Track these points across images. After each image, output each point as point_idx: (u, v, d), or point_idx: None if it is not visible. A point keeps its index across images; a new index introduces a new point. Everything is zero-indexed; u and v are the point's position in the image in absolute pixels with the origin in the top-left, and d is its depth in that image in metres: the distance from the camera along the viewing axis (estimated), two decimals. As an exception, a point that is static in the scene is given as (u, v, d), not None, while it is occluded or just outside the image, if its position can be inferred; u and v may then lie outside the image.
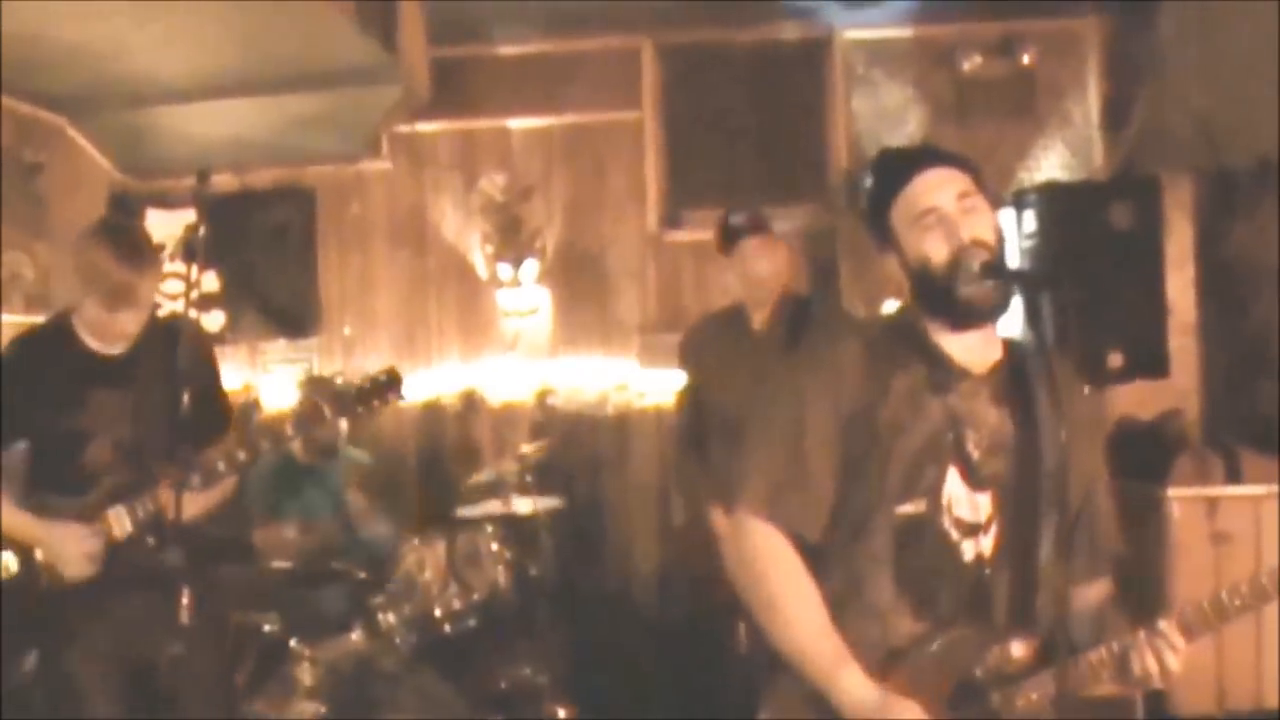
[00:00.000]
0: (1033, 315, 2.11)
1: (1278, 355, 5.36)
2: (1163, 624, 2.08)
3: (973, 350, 2.21)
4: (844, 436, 2.15)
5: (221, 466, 3.29)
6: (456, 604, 4.61)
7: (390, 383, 3.46)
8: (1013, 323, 2.28)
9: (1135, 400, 5.67)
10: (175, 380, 3.01)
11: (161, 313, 3.62)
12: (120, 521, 3.29)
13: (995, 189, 2.45)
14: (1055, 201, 5.32)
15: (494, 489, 5.27)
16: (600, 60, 6.38)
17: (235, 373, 6.07)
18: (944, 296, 2.14)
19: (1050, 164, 6.21)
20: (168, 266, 5.28)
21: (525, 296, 6.33)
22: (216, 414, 3.49)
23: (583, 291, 6.37)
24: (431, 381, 6.36)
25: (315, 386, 5.48)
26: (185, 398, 3.00)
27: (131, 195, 6.28)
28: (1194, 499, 5.08)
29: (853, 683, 2.08)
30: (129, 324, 3.33)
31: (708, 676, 4.79)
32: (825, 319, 4.43)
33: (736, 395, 4.12)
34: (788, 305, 4.34)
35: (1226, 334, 5.92)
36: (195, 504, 3.28)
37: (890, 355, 2.19)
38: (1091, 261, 5.12)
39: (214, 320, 6.19)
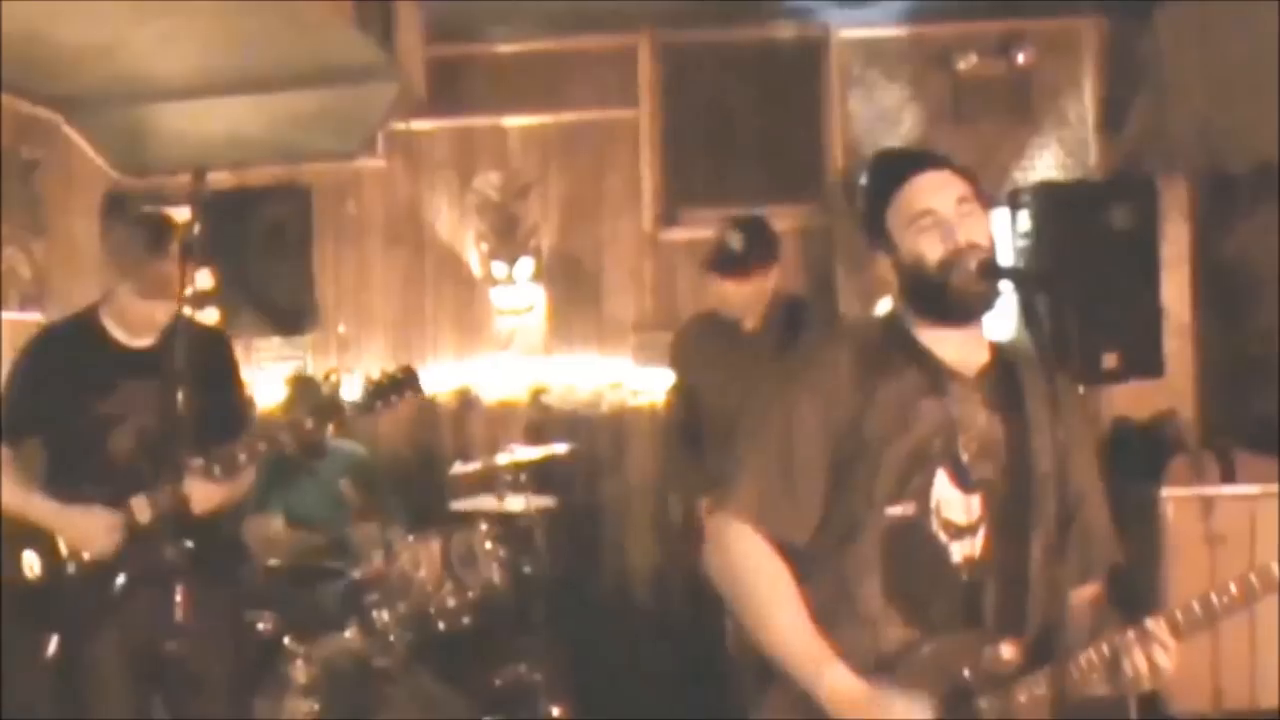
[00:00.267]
0: (1028, 316, 2.11)
1: (1274, 356, 5.36)
2: (1151, 624, 2.08)
3: (962, 352, 2.21)
4: (833, 441, 2.15)
5: (242, 458, 3.38)
6: (452, 602, 4.60)
7: (408, 380, 3.60)
8: (1006, 324, 2.29)
9: (1130, 401, 5.69)
10: (199, 376, 3.11)
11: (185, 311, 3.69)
12: (142, 510, 3.36)
13: (989, 195, 2.45)
14: (1051, 201, 5.32)
15: (485, 482, 5.26)
16: (597, 59, 6.38)
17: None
18: (936, 293, 2.15)
19: (1046, 164, 6.21)
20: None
21: (520, 295, 6.32)
22: (237, 415, 3.62)
23: (578, 290, 6.37)
24: (426, 379, 6.33)
25: (303, 385, 5.48)
26: (208, 396, 3.15)
27: (128, 193, 6.27)
28: (1189, 499, 5.09)
29: (837, 679, 2.08)
30: (160, 314, 3.40)
31: (703, 675, 4.79)
32: (818, 321, 4.43)
33: (726, 395, 4.14)
34: (780, 306, 4.34)
35: (1222, 335, 5.93)
36: (215, 496, 3.37)
37: (880, 358, 2.20)
38: (1087, 262, 5.12)
39: (209, 317, 6.18)
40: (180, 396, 3.12)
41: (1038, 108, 6.25)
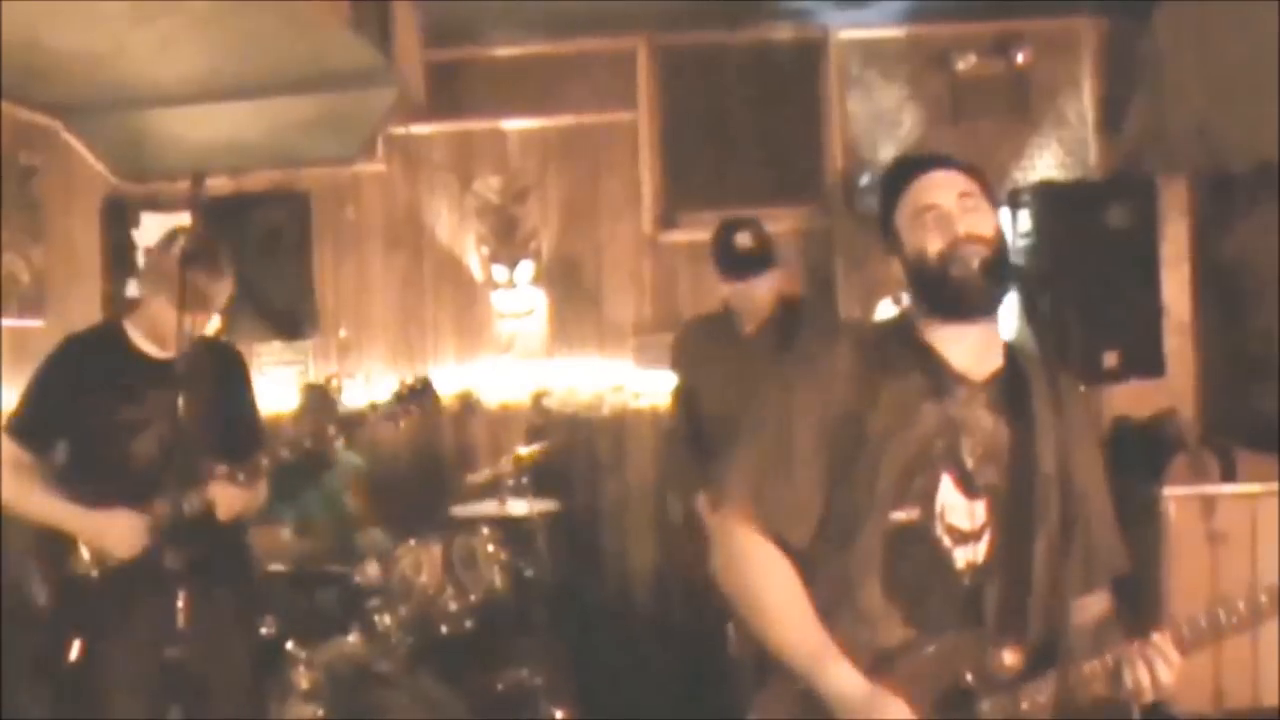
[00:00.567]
0: (1030, 315, 2.11)
1: (1274, 355, 5.36)
2: (1157, 637, 2.08)
3: (972, 356, 2.20)
4: (833, 441, 2.15)
5: (265, 462, 3.48)
6: (453, 606, 4.61)
7: (425, 391, 3.65)
8: (1009, 323, 2.29)
9: (1131, 400, 5.69)
10: (219, 386, 3.30)
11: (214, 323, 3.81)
12: (165, 514, 3.36)
13: (997, 193, 2.45)
14: (1051, 201, 5.33)
15: (491, 488, 5.27)
16: (595, 62, 6.37)
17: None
18: (937, 285, 2.15)
19: (1045, 164, 6.21)
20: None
21: (521, 298, 6.32)
22: (252, 424, 3.74)
23: (578, 293, 6.37)
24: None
25: (316, 393, 5.51)
26: (227, 405, 3.34)
27: (127, 199, 6.27)
28: (1190, 498, 5.08)
29: (839, 675, 2.08)
30: (194, 327, 3.43)
31: (705, 678, 4.79)
32: (818, 322, 4.43)
33: (725, 397, 4.13)
34: (780, 308, 4.34)
35: (1222, 335, 5.93)
36: (238, 502, 3.46)
37: (884, 360, 2.19)
38: (1087, 261, 5.13)
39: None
40: (199, 408, 3.22)
41: (1037, 108, 6.25)
